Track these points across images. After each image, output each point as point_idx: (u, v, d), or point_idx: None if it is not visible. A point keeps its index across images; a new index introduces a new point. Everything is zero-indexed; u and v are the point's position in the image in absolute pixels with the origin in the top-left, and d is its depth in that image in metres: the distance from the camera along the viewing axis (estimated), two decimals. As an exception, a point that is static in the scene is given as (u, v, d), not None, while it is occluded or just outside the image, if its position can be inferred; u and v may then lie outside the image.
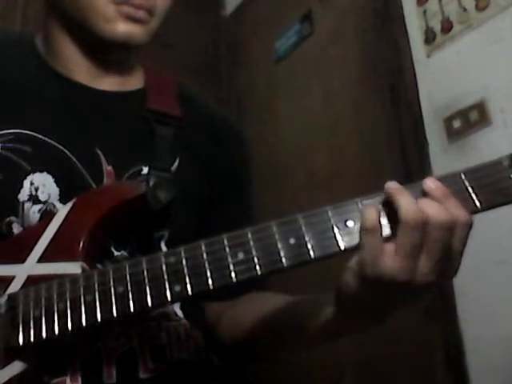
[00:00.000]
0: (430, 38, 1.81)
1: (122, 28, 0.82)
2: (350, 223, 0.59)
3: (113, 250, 0.79)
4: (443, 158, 1.69)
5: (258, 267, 0.59)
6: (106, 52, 0.88)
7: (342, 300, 0.64)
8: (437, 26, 1.79)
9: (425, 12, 1.83)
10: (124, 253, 0.79)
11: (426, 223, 0.56)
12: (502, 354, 1.46)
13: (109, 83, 0.89)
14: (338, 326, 0.67)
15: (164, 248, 0.82)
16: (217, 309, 0.90)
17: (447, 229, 0.56)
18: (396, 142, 1.84)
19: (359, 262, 0.59)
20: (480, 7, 1.67)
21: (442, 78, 1.75)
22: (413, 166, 1.76)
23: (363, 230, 0.58)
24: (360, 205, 0.60)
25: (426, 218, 0.56)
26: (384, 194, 0.59)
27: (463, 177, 0.59)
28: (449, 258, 0.58)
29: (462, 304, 1.57)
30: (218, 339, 0.89)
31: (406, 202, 0.57)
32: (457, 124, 1.68)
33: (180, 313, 0.83)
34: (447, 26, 1.76)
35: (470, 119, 1.64)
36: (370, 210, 0.58)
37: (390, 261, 0.57)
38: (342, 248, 0.59)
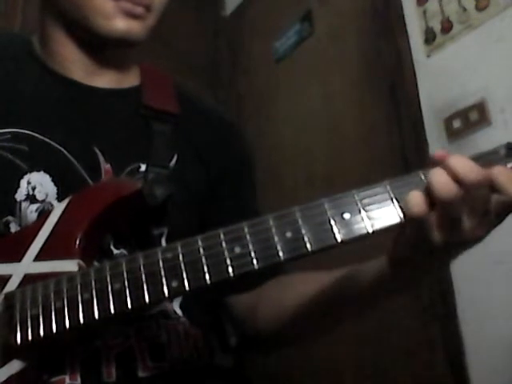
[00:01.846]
0: (430, 38, 1.80)
1: (121, 24, 0.81)
2: (347, 215, 0.58)
3: (112, 248, 0.78)
4: (443, 157, 1.68)
5: (254, 261, 0.59)
6: (102, 49, 0.87)
7: (395, 263, 0.63)
8: (437, 25, 1.79)
9: (425, 12, 1.83)
10: (123, 251, 0.79)
11: (461, 183, 0.55)
12: (502, 354, 1.45)
13: (105, 81, 0.89)
14: (394, 279, 0.66)
15: (165, 245, 0.81)
16: (247, 299, 0.88)
17: (483, 183, 0.55)
18: (396, 141, 1.84)
19: (411, 239, 0.59)
20: (480, 7, 1.67)
21: (442, 77, 1.75)
22: (413, 166, 1.76)
23: (409, 212, 0.57)
24: (356, 197, 0.59)
25: (459, 180, 0.55)
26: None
27: None
28: (489, 211, 0.57)
29: (461, 304, 1.57)
30: (255, 329, 0.87)
31: (436, 179, 0.55)
32: (457, 124, 1.67)
33: (179, 311, 0.82)
34: (447, 26, 1.76)
35: (469, 119, 1.64)
36: (415, 192, 0.57)
37: (439, 232, 0.57)
38: (339, 240, 0.58)
